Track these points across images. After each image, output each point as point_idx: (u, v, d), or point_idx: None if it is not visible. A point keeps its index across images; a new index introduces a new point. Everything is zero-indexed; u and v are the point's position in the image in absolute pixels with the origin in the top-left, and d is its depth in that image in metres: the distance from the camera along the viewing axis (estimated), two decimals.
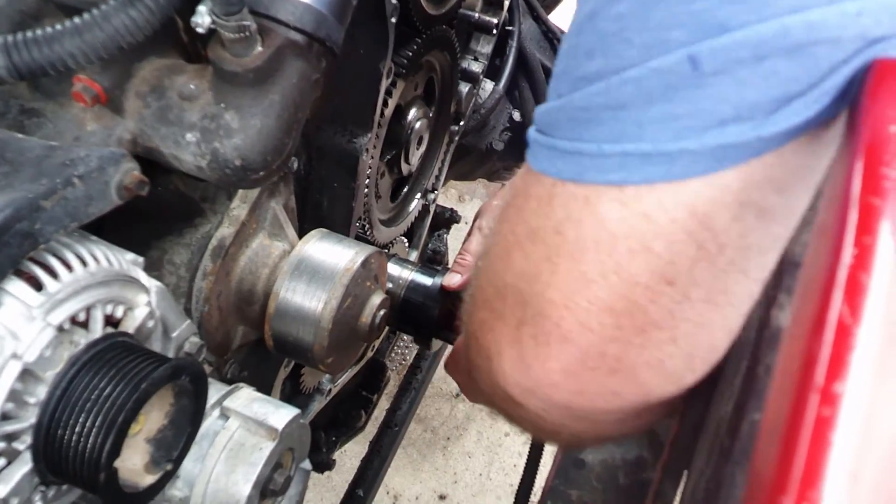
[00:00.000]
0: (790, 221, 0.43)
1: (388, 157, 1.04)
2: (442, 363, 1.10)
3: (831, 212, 0.34)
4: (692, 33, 0.37)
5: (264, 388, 0.87)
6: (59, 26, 0.55)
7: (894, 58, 0.35)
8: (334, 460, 1.23)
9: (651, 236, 0.42)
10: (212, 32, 0.60)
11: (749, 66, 0.37)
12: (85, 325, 0.54)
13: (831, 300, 0.29)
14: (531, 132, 0.48)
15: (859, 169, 0.32)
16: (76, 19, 0.55)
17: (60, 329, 0.52)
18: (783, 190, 0.41)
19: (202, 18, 0.58)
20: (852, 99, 0.36)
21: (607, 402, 0.49)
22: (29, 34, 0.55)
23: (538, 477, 1.01)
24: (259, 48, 0.60)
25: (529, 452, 1.06)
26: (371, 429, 1.34)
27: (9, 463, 0.51)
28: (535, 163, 0.47)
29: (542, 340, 0.47)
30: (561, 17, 1.57)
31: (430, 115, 1.10)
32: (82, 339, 0.54)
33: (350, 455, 1.76)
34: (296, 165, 0.84)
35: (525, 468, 1.06)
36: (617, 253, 0.43)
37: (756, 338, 0.46)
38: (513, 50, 1.31)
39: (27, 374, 0.50)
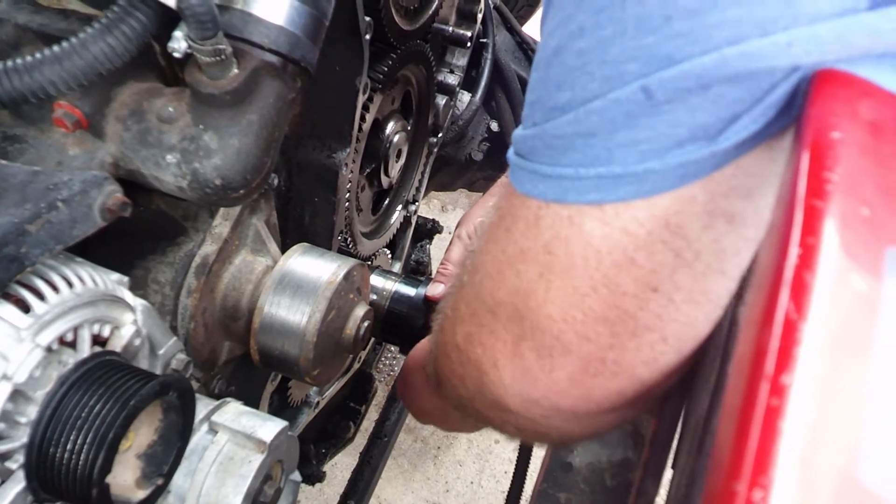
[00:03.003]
0: (760, 223, 0.45)
1: (368, 170, 1.06)
2: None
3: (779, 213, 0.36)
4: (644, 66, 0.40)
5: (252, 402, 0.88)
6: (38, 55, 0.56)
7: (836, 68, 0.37)
8: (325, 472, 1.24)
9: (632, 249, 0.45)
10: (188, 56, 0.61)
11: (697, 94, 0.40)
12: (73, 345, 0.56)
13: (779, 297, 0.31)
14: (511, 156, 0.51)
15: (804, 173, 0.34)
16: (55, 47, 0.56)
17: (49, 349, 0.53)
18: (749, 196, 0.44)
19: (178, 43, 0.60)
20: (798, 107, 0.38)
21: (612, 402, 0.52)
22: (9, 63, 0.56)
23: (528, 482, 1.03)
24: (235, 70, 0.62)
25: (518, 458, 1.07)
26: (361, 440, 1.35)
27: (2, 482, 0.52)
28: (519, 185, 0.50)
29: (544, 353, 0.50)
30: (534, 28, 1.60)
31: (409, 128, 1.12)
32: (71, 358, 0.55)
33: (341, 467, 1.77)
34: (276, 181, 0.85)
35: (514, 473, 1.07)
36: (604, 267, 0.46)
37: (727, 335, 0.48)
38: (488, 62, 1.33)
39: (18, 395, 0.51)
